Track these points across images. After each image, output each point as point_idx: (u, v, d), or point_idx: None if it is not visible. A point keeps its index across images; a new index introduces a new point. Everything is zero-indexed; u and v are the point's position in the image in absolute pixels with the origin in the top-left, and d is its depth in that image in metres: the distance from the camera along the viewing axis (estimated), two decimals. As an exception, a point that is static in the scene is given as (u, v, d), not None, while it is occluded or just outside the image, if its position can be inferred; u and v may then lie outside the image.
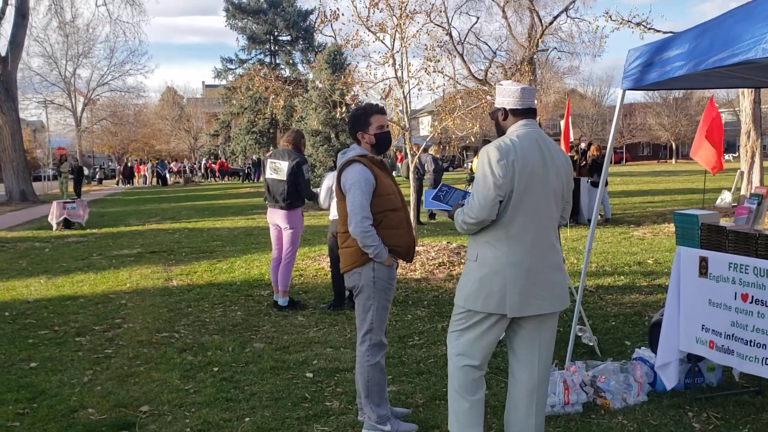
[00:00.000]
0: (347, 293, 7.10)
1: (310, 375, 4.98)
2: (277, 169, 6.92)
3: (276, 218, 7.05)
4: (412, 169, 10.99)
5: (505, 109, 3.40)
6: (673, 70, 3.84)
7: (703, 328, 3.98)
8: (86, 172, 51.85)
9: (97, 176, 54.26)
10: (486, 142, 14.36)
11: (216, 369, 5.17)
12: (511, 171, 3.18)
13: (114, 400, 4.57)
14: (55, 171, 25.88)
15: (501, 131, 3.43)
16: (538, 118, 9.63)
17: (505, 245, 3.24)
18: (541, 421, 3.42)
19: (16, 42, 27.66)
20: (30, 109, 52.42)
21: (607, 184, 13.97)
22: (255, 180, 45.54)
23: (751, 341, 3.70)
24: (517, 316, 3.27)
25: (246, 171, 49.43)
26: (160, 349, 5.77)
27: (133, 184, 49.02)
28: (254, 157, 45.51)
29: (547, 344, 3.40)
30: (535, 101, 3.44)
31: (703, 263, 3.97)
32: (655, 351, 4.39)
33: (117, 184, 51.29)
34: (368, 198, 3.79)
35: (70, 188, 26.24)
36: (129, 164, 54.48)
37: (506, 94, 3.39)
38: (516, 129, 3.34)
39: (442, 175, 15.64)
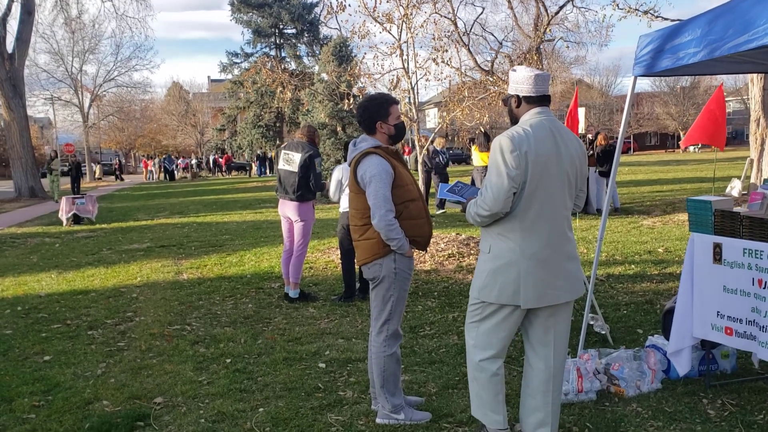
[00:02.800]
0: (358, 285, 7.11)
1: (323, 365, 4.99)
2: (290, 161, 6.93)
3: (287, 210, 7.05)
4: (420, 161, 10.99)
5: (518, 96, 3.34)
6: (686, 57, 3.80)
7: (718, 315, 3.96)
8: (94, 168, 51.94)
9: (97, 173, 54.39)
10: (485, 134, 14.23)
11: (229, 360, 5.19)
12: (525, 162, 3.14)
13: (128, 392, 4.59)
14: (45, 169, 24.97)
15: (514, 119, 3.39)
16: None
17: (519, 237, 3.22)
18: (557, 410, 3.42)
19: (23, 39, 27.75)
20: (37, 106, 52.48)
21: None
22: (258, 175, 45.34)
23: (766, 327, 3.69)
24: (532, 307, 3.25)
25: (248, 166, 49.48)
26: (172, 341, 5.79)
27: (122, 179, 49.19)
28: (259, 151, 45.39)
29: (562, 333, 3.40)
30: (550, 88, 3.39)
31: (717, 249, 3.95)
32: (668, 338, 4.37)
33: (98, 178, 51.35)
34: (389, 190, 3.76)
35: (66, 185, 25.74)
36: (120, 160, 55.11)
37: (519, 81, 3.32)
38: (529, 117, 3.29)
39: (446, 169, 15.20)
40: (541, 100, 3.32)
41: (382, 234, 3.73)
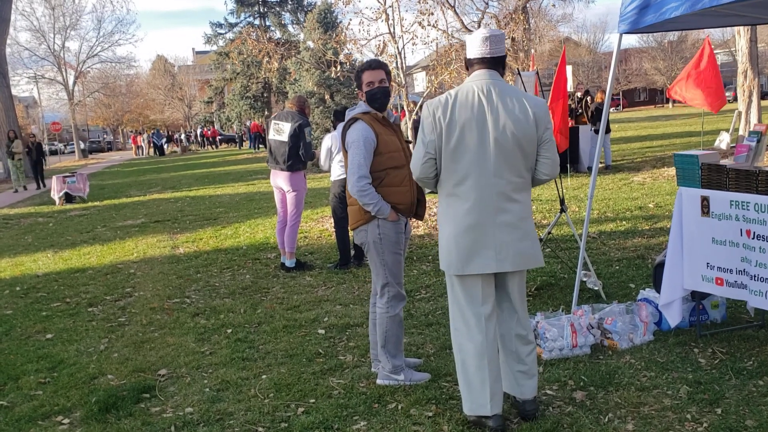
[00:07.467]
0: (352, 252, 7.17)
1: (322, 331, 5.08)
2: (280, 131, 6.95)
3: (279, 181, 7.08)
4: (410, 126, 10.97)
5: (467, 58, 3.30)
6: (668, 11, 3.82)
7: (708, 266, 4.05)
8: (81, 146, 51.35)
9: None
10: None
11: (230, 330, 5.27)
12: (439, 128, 3.15)
13: (132, 365, 4.67)
14: (6, 152, 21.52)
15: None
16: (535, 68, 9.44)
17: (447, 202, 3.28)
18: (499, 384, 3.37)
19: (3, 17, 27.27)
20: (21, 85, 51.91)
21: (609, 131, 13.95)
22: (254, 147, 44.90)
23: (755, 276, 3.78)
24: (458, 274, 3.27)
25: (237, 138, 49.23)
26: (172, 314, 5.87)
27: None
28: (247, 123, 45.08)
29: (519, 299, 3.41)
30: (503, 48, 3.23)
31: (705, 202, 4.02)
32: (659, 291, 4.46)
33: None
34: (367, 157, 3.81)
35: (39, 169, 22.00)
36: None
37: (468, 44, 3.28)
38: (467, 80, 3.25)
39: None
40: (484, 62, 3.21)
41: (357, 199, 3.82)
